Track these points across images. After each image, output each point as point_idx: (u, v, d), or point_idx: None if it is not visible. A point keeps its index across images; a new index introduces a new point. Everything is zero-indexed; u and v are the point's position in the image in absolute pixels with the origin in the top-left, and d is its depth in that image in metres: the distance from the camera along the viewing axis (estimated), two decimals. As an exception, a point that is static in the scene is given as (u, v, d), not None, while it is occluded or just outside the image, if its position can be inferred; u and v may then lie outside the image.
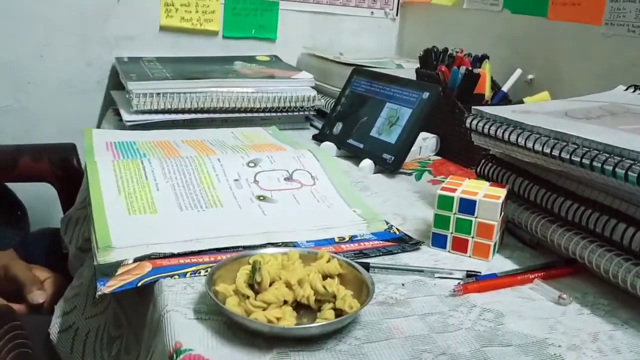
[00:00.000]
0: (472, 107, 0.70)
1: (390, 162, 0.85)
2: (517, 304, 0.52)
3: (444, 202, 0.61)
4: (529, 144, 0.59)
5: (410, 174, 0.87)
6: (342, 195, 0.74)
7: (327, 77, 1.18)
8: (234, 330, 0.46)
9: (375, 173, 0.87)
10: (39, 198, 1.12)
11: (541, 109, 0.70)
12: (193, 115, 1.03)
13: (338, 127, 0.97)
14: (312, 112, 1.11)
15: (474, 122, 0.67)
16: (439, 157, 0.97)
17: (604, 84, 0.80)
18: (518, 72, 0.97)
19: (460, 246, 0.61)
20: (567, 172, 0.58)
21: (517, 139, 0.61)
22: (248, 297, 0.47)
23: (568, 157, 0.55)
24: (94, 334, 0.65)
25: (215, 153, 0.83)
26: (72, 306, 0.70)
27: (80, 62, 1.22)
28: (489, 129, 0.65)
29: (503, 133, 0.63)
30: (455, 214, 0.61)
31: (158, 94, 1.01)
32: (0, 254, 0.87)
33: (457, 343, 0.46)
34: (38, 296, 0.80)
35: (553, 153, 0.57)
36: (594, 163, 0.53)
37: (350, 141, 0.94)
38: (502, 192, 0.61)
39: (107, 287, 0.52)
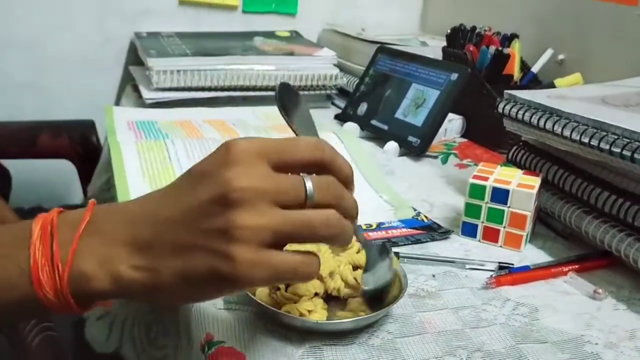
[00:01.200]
0: (505, 91, 0.68)
1: (416, 145, 0.83)
2: (552, 298, 0.51)
3: (476, 191, 0.59)
4: (566, 133, 0.57)
5: (435, 157, 0.85)
6: (368, 179, 0.72)
7: (349, 55, 1.16)
8: (265, 321, 0.45)
9: (399, 156, 0.85)
10: (58, 175, 1.12)
11: (576, 94, 0.68)
12: (213, 94, 1.02)
13: (362, 108, 0.95)
14: (334, 91, 1.09)
15: (507, 107, 0.65)
16: (465, 139, 0.95)
17: (639, 68, 0.78)
18: (549, 52, 0.94)
19: (491, 236, 0.60)
20: (605, 162, 0.56)
21: (553, 127, 0.59)
22: (279, 289, 0.46)
23: (608, 147, 0.53)
24: (131, 321, 0.65)
25: (237, 135, 0.82)
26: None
27: (98, 37, 1.20)
28: (522, 114, 0.63)
29: (538, 120, 0.61)
30: (487, 203, 0.59)
31: (178, 71, 0.99)
32: None
33: (492, 339, 0.45)
34: None
35: (592, 143, 0.55)
36: (635, 155, 0.51)
37: (374, 122, 0.92)
38: (536, 182, 0.59)
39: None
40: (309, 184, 0.34)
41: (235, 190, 0.31)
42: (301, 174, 0.35)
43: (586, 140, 0.55)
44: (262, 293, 0.46)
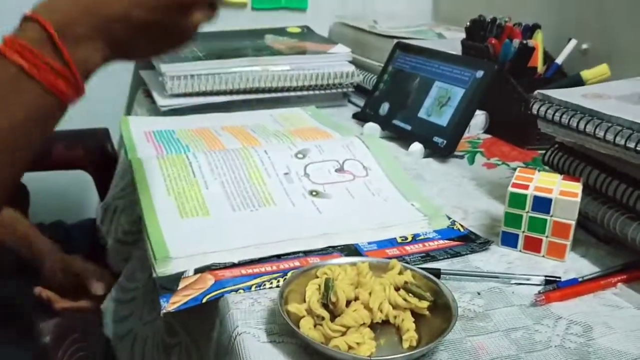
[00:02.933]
0: (537, 91, 0.65)
1: (443, 146, 0.81)
2: (603, 314, 0.49)
3: (516, 200, 0.57)
4: (609, 137, 0.55)
5: (462, 157, 0.83)
6: (397, 186, 0.70)
7: (363, 49, 1.13)
8: (311, 354, 0.44)
9: (424, 157, 0.83)
10: (74, 186, 1.10)
11: (613, 91, 0.65)
12: (228, 97, 0.99)
13: (384, 108, 0.93)
14: (350, 89, 1.06)
15: (542, 108, 0.63)
16: (489, 136, 0.92)
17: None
18: (573, 42, 0.91)
19: (533, 246, 0.58)
20: (651, 166, 0.54)
21: (594, 131, 0.57)
22: (323, 318, 0.45)
23: (657, 153, 0.51)
24: (152, 341, 0.64)
25: (259, 143, 0.80)
26: (129, 311, 0.68)
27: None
28: (560, 117, 0.61)
29: (578, 123, 0.58)
30: (528, 212, 0.57)
31: (192, 75, 0.97)
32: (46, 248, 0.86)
33: (550, 365, 0.43)
34: (99, 288, 0.80)
35: (638, 148, 0.52)
36: (688, 161, 0.48)
37: (396, 122, 0.90)
38: (578, 188, 0.57)
39: (171, 303, 0.50)
40: None
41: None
42: None
43: (632, 145, 0.53)
44: (306, 325, 0.44)
